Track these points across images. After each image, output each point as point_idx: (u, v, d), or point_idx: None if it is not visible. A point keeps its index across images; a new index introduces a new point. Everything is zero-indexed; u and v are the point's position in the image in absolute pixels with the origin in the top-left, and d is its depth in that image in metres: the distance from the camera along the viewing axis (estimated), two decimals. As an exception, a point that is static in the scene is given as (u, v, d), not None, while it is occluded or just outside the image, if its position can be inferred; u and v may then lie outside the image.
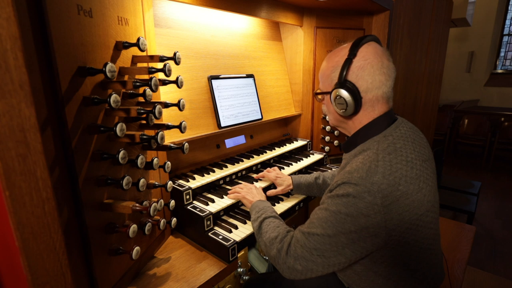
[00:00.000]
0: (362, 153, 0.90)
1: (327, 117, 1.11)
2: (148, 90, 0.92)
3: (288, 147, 1.89)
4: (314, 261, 0.87)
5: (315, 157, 1.90)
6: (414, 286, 0.93)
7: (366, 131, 0.95)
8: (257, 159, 1.64)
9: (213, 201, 1.30)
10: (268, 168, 1.57)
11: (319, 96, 1.07)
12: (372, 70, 0.90)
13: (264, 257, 1.81)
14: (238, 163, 1.58)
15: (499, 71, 6.70)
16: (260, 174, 1.53)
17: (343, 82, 0.91)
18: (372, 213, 0.79)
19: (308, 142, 2.02)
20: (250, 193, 1.30)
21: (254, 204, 1.22)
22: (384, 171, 0.81)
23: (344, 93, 0.91)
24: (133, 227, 0.87)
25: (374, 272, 0.91)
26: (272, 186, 1.52)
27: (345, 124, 1.02)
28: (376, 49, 0.93)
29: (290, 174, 1.62)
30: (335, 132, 2.07)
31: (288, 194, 1.53)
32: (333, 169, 1.88)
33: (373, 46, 0.93)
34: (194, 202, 1.28)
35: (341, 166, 1.05)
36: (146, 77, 1.02)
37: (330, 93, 0.97)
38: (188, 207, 1.22)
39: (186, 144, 1.11)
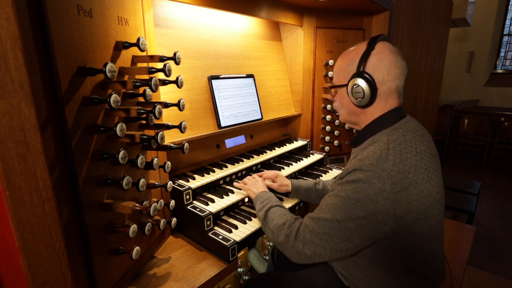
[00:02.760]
0: (372, 145, 0.92)
1: (338, 112, 1.13)
2: (148, 90, 0.92)
3: (288, 147, 1.89)
4: (323, 246, 0.90)
5: (315, 157, 1.90)
6: (415, 283, 0.93)
7: (376, 124, 0.98)
8: (257, 159, 1.64)
9: (213, 201, 1.30)
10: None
11: (332, 91, 1.10)
12: (388, 62, 0.94)
13: (264, 257, 1.81)
14: (238, 163, 1.58)
15: (499, 71, 6.70)
16: (260, 173, 1.53)
17: (361, 72, 0.95)
18: (381, 199, 0.80)
19: (308, 142, 2.02)
20: (255, 185, 1.34)
21: (259, 195, 1.25)
22: (394, 159, 0.83)
23: (361, 82, 0.94)
24: (133, 227, 0.87)
25: (378, 266, 0.92)
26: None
27: (357, 118, 1.04)
28: (391, 46, 0.98)
29: (290, 174, 1.62)
30: (335, 132, 2.07)
31: (288, 195, 1.53)
32: (333, 169, 1.88)
33: (387, 44, 0.99)
34: (194, 202, 1.28)
35: (349, 159, 1.06)
36: (146, 77, 1.02)
37: (346, 85, 1.00)
38: (188, 207, 1.22)
39: (186, 144, 1.11)
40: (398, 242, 0.86)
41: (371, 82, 0.93)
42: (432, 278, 0.96)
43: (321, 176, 1.76)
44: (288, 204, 1.44)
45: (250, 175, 1.59)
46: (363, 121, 1.02)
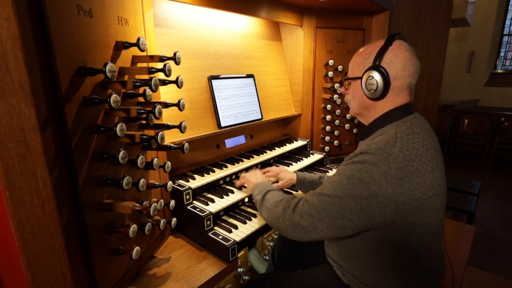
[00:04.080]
0: (380, 136, 0.94)
1: (349, 105, 1.14)
2: (148, 90, 0.92)
3: (288, 147, 1.89)
4: (320, 220, 0.90)
5: (315, 157, 1.90)
6: (415, 278, 0.95)
7: (385, 117, 1.00)
8: (257, 159, 1.64)
9: (213, 201, 1.30)
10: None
11: (346, 83, 1.12)
12: (404, 59, 0.96)
13: (264, 257, 1.81)
14: (238, 163, 1.58)
15: (499, 71, 6.70)
16: (264, 170, 1.55)
17: (376, 65, 0.97)
18: (384, 182, 0.82)
19: (308, 142, 2.02)
20: (254, 175, 1.35)
21: (257, 184, 1.26)
22: (401, 146, 0.86)
23: (376, 74, 0.96)
24: (133, 227, 0.87)
25: (379, 256, 0.93)
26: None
27: (367, 111, 1.05)
28: (407, 45, 1.00)
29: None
30: (335, 132, 2.07)
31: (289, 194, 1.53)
32: (333, 169, 1.88)
33: (404, 42, 1.01)
34: (194, 202, 1.28)
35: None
36: (146, 77, 1.02)
37: (361, 77, 1.01)
38: (188, 207, 1.22)
39: (186, 144, 1.11)
40: (399, 231, 0.88)
41: (385, 76, 0.95)
42: (432, 274, 0.97)
43: (321, 176, 1.76)
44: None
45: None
46: (373, 114, 1.04)
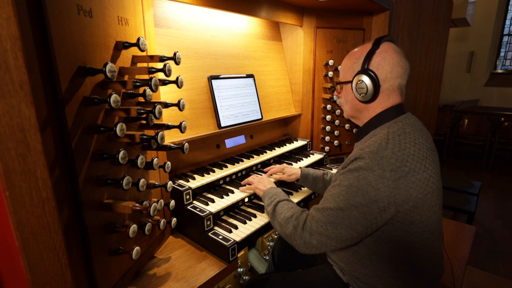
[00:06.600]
0: (373, 137, 0.96)
1: (343, 108, 1.16)
2: (148, 90, 0.92)
3: (288, 147, 1.89)
4: (328, 236, 0.93)
5: (315, 157, 1.90)
6: (413, 276, 0.95)
7: (378, 119, 1.02)
8: (257, 159, 1.64)
9: (213, 201, 1.30)
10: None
11: (338, 87, 1.14)
12: (392, 61, 0.98)
13: (264, 257, 1.81)
14: (238, 163, 1.58)
15: (499, 71, 6.70)
16: (269, 168, 1.58)
17: (365, 69, 0.99)
18: (381, 186, 0.84)
19: (308, 142, 2.02)
20: (262, 182, 1.37)
21: (267, 191, 1.28)
22: (393, 147, 0.87)
23: (365, 78, 0.98)
24: (133, 227, 0.87)
25: (377, 255, 0.94)
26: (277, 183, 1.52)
27: (360, 113, 1.07)
28: (395, 47, 1.02)
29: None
30: (335, 132, 2.07)
31: (289, 194, 1.53)
32: (333, 169, 1.88)
33: (392, 44, 1.03)
34: (194, 202, 1.28)
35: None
36: (146, 77, 1.02)
37: (351, 81, 1.04)
38: (188, 207, 1.22)
39: (186, 144, 1.11)
40: (397, 230, 0.89)
41: (374, 79, 0.97)
42: (431, 273, 0.98)
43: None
44: (294, 199, 1.44)
45: (251, 175, 1.60)
46: (365, 116, 1.06)
